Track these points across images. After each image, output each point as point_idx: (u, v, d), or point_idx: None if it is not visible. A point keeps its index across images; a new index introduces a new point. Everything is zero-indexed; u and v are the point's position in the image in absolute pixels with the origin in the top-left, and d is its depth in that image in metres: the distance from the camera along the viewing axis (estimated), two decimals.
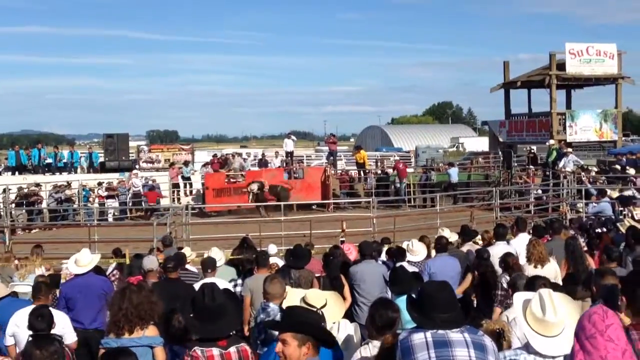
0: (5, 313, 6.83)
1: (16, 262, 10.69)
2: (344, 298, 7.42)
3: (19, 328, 6.30)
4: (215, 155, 32.51)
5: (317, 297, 4.38)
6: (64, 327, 6.39)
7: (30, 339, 4.52)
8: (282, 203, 21.15)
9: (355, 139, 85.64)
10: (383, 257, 10.08)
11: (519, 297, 4.22)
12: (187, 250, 11.42)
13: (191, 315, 3.57)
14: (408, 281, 5.98)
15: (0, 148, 59.21)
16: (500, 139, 30.05)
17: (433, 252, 10.05)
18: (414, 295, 3.85)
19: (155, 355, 4.78)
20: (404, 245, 10.16)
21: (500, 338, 4.39)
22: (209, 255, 9.68)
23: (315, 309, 4.32)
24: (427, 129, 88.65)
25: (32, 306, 6.54)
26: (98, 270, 8.83)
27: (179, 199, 27.23)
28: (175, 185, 27.88)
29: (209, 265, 8.70)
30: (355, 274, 8.56)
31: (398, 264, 8.51)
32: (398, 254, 9.37)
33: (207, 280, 8.35)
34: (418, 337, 3.58)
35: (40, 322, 5.32)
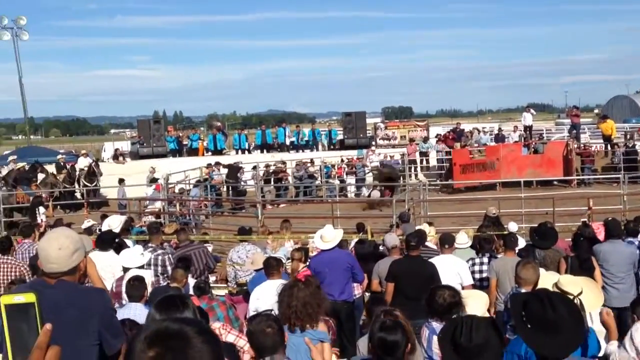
0: (258, 284, 7.38)
1: (270, 236, 11.48)
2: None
3: (258, 301, 6.75)
4: (451, 130, 32.12)
5: (572, 283, 4.09)
6: None
7: (252, 320, 4.68)
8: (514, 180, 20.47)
9: (599, 110, 79.96)
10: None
11: None
12: (426, 227, 11.46)
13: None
14: None
15: (250, 127, 63.80)
16: None
17: None
18: None
19: (324, 350, 4.85)
20: None
21: None
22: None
23: (571, 297, 4.09)
24: None
25: (274, 281, 6.96)
26: (342, 243, 9.20)
27: (416, 175, 27.40)
28: (413, 162, 28.06)
29: (447, 241, 8.66)
30: (599, 254, 8.17)
31: None
32: None
33: (444, 256, 8.36)
34: None
35: None
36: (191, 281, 8.10)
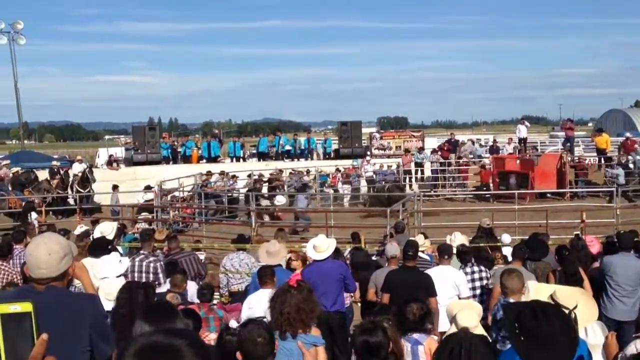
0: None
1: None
2: None
3: (250, 310, 6.64)
4: (446, 142, 32.12)
5: (568, 296, 4.06)
6: None
7: (244, 325, 4.59)
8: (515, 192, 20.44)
9: (594, 123, 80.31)
10: None
11: None
12: (419, 238, 11.42)
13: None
14: None
15: (245, 135, 63.87)
16: None
17: None
18: None
19: (319, 355, 4.79)
20: None
21: None
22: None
23: (567, 311, 4.03)
24: None
25: (267, 290, 6.86)
26: (337, 252, 9.12)
27: (410, 186, 27.37)
28: (407, 172, 28.05)
29: (445, 252, 8.57)
30: (609, 265, 8.11)
31: None
32: None
33: (442, 267, 8.29)
34: None
35: None
36: (190, 284, 8.04)
